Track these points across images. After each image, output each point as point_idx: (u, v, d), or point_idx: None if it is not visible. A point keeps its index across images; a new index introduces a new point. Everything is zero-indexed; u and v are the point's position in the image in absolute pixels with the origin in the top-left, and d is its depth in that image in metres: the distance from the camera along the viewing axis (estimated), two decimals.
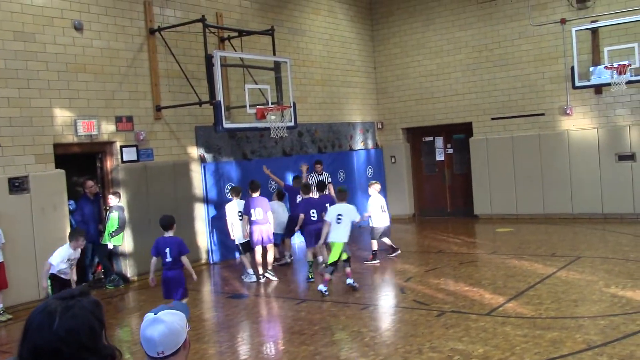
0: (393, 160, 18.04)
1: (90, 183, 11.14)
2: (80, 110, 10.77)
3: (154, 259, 8.29)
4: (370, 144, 17.93)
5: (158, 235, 11.65)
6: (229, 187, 12.56)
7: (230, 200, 11.58)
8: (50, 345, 1.85)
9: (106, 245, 10.99)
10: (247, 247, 11.02)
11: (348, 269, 9.66)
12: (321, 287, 9.44)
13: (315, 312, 8.64)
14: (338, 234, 9.55)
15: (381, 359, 6.53)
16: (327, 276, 9.51)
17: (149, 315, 2.37)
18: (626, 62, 13.07)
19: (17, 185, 9.77)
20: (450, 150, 17.74)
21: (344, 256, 9.54)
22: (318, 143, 15.99)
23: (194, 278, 8.33)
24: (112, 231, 10.86)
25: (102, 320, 1.96)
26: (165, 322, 2.33)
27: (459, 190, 17.52)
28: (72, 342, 1.86)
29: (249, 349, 7.46)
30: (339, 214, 9.59)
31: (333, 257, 9.46)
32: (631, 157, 14.59)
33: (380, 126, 18.23)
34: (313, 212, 10.77)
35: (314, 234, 10.56)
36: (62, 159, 10.56)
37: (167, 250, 8.04)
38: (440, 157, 17.86)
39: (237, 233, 11.06)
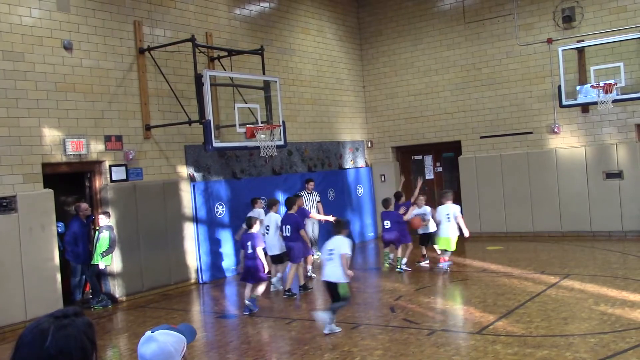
0: (383, 179, 18.08)
1: (84, 206, 11.06)
2: (69, 130, 10.74)
3: (242, 251, 9.94)
4: (359, 163, 17.98)
5: (147, 254, 11.71)
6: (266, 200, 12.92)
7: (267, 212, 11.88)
8: None
9: (95, 265, 10.90)
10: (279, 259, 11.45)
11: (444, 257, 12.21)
12: (442, 264, 12.04)
13: (305, 332, 8.59)
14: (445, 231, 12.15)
15: None
16: (446, 257, 12.12)
17: (147, 333, 2.37)
18: (612, 81, 13.25)
19: (5, 205, 9.70)
20: (440, 169, 17.81)
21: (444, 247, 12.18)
22: (308, 162, 16.02)
23: (264, 265, 9.77)
24: (103, 251, 10.78)
25: (94, 342, 1.95)
26: (158, 342, 2.33)
27: None
28: None
29: None
30: (447, 213, 12.14)
31: (444, 246, 12.14)
32: (618, 175, 14.71)
33: (369, 145, 18.30)
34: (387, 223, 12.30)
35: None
36: (51, 178, 10.50)
37: (249, 243, 9.63)
38: (429, 175, 17.92)
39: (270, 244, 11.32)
